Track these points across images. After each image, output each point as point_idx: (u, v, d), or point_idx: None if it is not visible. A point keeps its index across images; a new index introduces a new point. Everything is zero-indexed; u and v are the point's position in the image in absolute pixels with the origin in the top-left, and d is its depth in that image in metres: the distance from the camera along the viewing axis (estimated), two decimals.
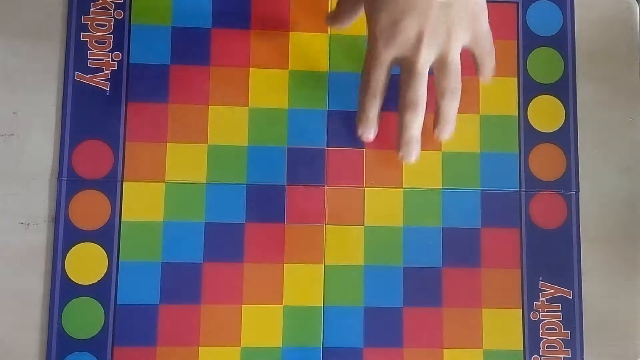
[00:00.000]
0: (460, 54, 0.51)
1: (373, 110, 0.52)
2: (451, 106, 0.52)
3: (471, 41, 0.52)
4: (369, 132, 0.52)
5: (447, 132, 0.53)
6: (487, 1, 0.50)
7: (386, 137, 0.53)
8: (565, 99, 0.61)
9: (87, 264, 0.56)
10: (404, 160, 0.52)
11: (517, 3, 0.62)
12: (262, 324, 0.56)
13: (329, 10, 0.60)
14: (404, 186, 0.59)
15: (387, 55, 0.50)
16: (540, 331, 0.59)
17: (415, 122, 0.51)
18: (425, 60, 0.50)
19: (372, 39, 0.50)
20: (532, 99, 0.61)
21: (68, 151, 0.57)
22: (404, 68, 0.50)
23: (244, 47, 0.59)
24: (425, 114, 0.60)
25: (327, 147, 0.59)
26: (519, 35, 0.62)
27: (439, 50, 0.50)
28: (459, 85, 0.52)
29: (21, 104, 0.58)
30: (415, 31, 0.49)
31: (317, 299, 0.57)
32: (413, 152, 0.52)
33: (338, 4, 0.55)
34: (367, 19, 0.50)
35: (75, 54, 0.58)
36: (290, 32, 0.60)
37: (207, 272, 0.57)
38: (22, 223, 0.56)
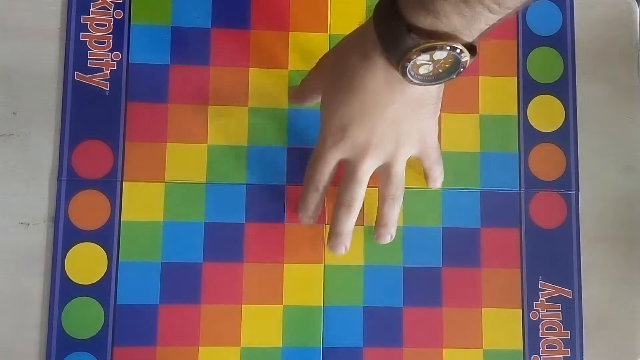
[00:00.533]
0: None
1: (314, 202, 0.54)
2: (391, 212, 0.53)
3: (419, 154, 0.53)
4: (307, 221, 0.55)
5: (384, 235, 0.54)
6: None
7: None
8: (565, 99, 0.61)
9: (86, 263, 0.56)
10: (331, 250, 0.54)
11: None
12: (261, 323, 0.56)
13: (329, 11, 0.61)
14: None
15: (332, 157, 0.51)
16: (540, 331, 0.58)
17: (348, 221, 0.53)
18: (367, 169, 0.51)
19: (321, 139, 0.51)
20: (532, 99, 0.61)
21: (68, 151, 0.57)
22: (347, 169, 0.51)
23: (244, 47, 0.59)
24: None
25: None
26: (518, 35, 0.62)
27: (384, 161, 0.51)
28: (400, 194, 0.53)
29: (21, 104, 0.58)
30: (362, 141, 0.49)
31: (317, 299, 0.57)
32: (341, 246, 0.54)
33: (301, 84, 0.56)
34: (320, 117, 0.51)
35: (75, 54, 0.58)
36: (290, 32, 0.60)
37: (206, 272, 0.57)
38: (22, 223, 0.56)
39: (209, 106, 0.59)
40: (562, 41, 0.62)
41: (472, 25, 0.41)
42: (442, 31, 0.42)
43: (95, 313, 0.55)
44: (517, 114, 0.61)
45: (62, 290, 0.56)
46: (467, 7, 0.40)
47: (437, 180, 0.57)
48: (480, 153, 0.60)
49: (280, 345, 0.56)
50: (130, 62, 0.58)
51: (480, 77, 0.61)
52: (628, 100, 0.63)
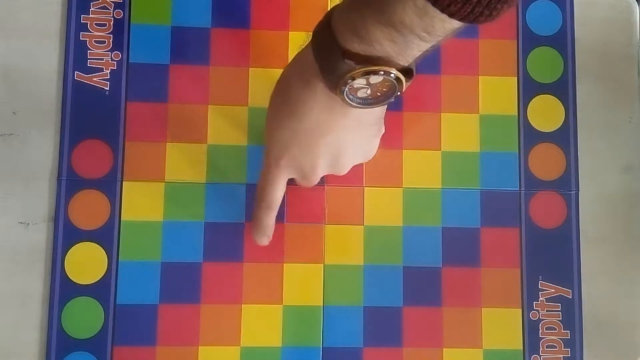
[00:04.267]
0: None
1: (267, 220, 0.54)
2: None
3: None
4: (262, 239, 0.55)
5: None
6: None
7: (386, 136, 0.53)
8: (565, 99, 0.61)
9: (86, 263, 0.56)
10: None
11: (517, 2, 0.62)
12: (261, 323, 0.56)
13: (328, 8, 0.60)
14: (403, 186, 0.59)
15: (280, 179, 0.52)
16: (540, 331, 0.58)
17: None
18: (314, 182, 0.52)
19: (267, 162, 0.51)
20: (532, 99, 0.61)
21: (68, 151, 0.57)
22: (298, 182, 0.53)
23: (244, 46, 0.59)
24: (423, 112, 0.60)
25: None
26: (518, 35, 0.62)
27: (331, 172, 0.52)
28: None
29: (21, 104, 0.58)
30: (308, 164, 0.50)
31: (316, 299, 0.57)
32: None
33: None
34: (265, 141, 0.51)
35: (75, 54, 0.58)
36: (289, 32, 0.60)
37: (206, 272, 0.57)
38: (21, 223, 0.56)
39: (209, 106, 0.59)
40: (562, 41, 0.62)
41: (405, 51, 0.42)
42: (375, 56, 0.42)
43: (95, 313, 0.55)
44: (517, 114, 0.61)
45: (62, 290, 0.56)
46: (398, 35, 0.40)
47: None
48: (480, 153, 0.60)
49: (280, 345, 0.56)
50: (130, 61, 0.58)
51: (480, 77, 0.61)
52: (628, 100, 0.63)
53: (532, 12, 0.62)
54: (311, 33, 0.45)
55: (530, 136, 0.61)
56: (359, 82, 0.43)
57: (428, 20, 0.38)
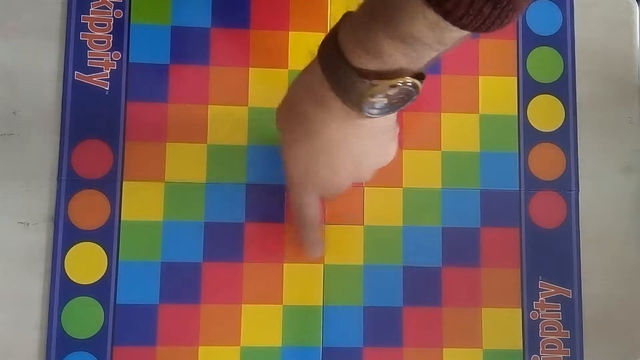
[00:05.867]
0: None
1: (313, 237, 0.55)
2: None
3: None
4: (316, 253, 0.56)
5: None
6: None
7: None
8: (565, 99, 0.61)
9: (86, 263, 0.56)
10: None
11: None
12: (261, 323, 0.56)
13: (329, 11, 0.61)
14: (403, 186, 0.59)
15: (311, 199, 0.52)
16: (540, 330, 0.58)
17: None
18: (344, 189, 0.52)
19: (292, 187, 0.51)
20: (532, 99, 0.61)
21: (68, 151, 0.57)
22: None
23: (244, 46, 0.59)
24: (423, 112, 0.60)
25: None
26: (518, 35, 0.62)
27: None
28: None
29: (21, 104, 0.58)
30: (333, 182, 0.50)
31: (316, 299, 0.57)
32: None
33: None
34: (284, 166, 0.51)
35: (75, 54, 0.58)
36: (290, 32, 0.60)
37: (206, 272, 0.57)
38: (21, 223, 0.56)
39: (209, 106, 0.59)
40: (562, 41, 0.62)
41: (417, 61, 0.42)
42: (391, 70, 0.42)
43: (95, 313, 0.55)
44: (517, 114, 0.61)
45: (62, 290, 0.56)
46: (408, 47, 0.40)
47: None
48: (480, 153, 0.60)
49: (280, 345, 0.56)
50: (130, 61, 0.58)
51: (480, 77, 0.61)
52: (628, 100, 0.63)
53: (532, 12, 0.62)
54: (315, 51, 0.45)
55: (530, 136, 0.61)
56: (378, 96, 0.43)
57: (439, 32, 0.38)
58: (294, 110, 0.48)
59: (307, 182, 0.50)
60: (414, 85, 0.43)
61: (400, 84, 0.42)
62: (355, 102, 0.43)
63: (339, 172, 0.49)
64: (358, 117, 0.45)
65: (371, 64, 0.42)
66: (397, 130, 0.51)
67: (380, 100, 0.43)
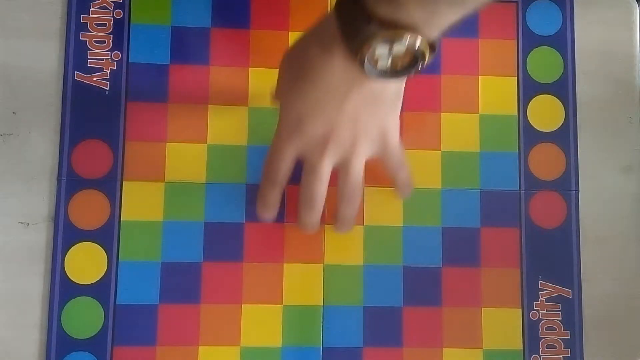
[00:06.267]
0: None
1: (272, 197, 0.53)
2: (347, 211, 0.53)
3: (380, 154, 0.52)
4: (267, 215, 0.55)
5: (343, 230, 0.55)
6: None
7: None
8: (565, 99, 0.61)
9: (86, 263, 0.56)
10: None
11: (517, 3, 0.62)
12: (261, 323, 0.56)
13: (329, 11, 0.60)
14: None
15: (289, 151, 0.50)
16: (540, 330, 0.58)
17: (311, 218, 0.53)
18: (326, 165, 0.50)
19: (277, 132, 0.51)
20: (532, 99, 0.61)
21: (68, 151, 0.57)
22: (305, 166, 0.51)
23: (244, 46, 0.59)
24: (423, 112, 0.60)
25: None
26: (518, 35, 0.62)
27: (342, 157, 0.50)
28: (358, 193, 0.52)
29: (21, 104, 0.58)
30: (319, 134, 0.49)
31: (316, 299, 0.57)
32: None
33: (276, 86, 0.54)
34: (279, 110, 0.51)
35: (75, 54, 0.58)
36: (290, 32, 0.60)
37: (206, 272, 0.57)
38: (21, 223, 0.56)
39: (209, 106, 0.59)
40: (562, 41, 0.62)
41: (433, 19, 0.41)
42: (402, 22, 0.41)
43: (95, 313, 0.55)
44: (517, 114, 0.61)
45: (62, 290, 0.56)
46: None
47: (406, 187, 0.56)
48: (480, 153, 0.60)
49: (280, 345, 0.56)
50: (130, 61, 0.58)
51: (480, 77, 0.61)
52: (628, 100, 0.63)
53: (532, 12, 0.62)
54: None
55: (530, 136, 0.61)
56: (381, 50, 0.42)
57: None
58: (298, 55, 0.48)
59: (296, 131, 0.49)
60: (420, 50, 0.42)
61: (407, 41, 0.41)
62: (358, 46, 0.42)
63: (329, 126, 0.48)
64: (359, 77, 0.45)
65: (386, 10, 0.41)
66: (399, 108, 0.50)
67: (383, 56, 0.43)
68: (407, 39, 0.42)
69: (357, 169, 0.51)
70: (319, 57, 0.46)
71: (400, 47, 0.42)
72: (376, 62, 0.44)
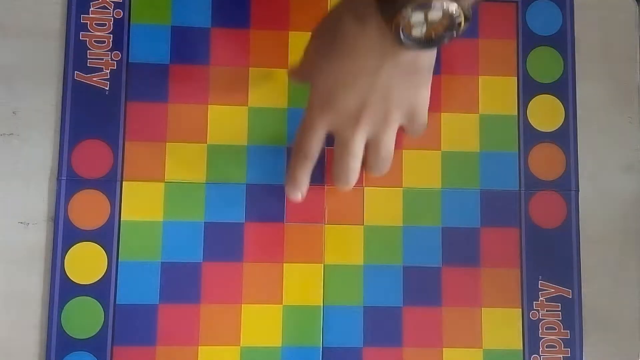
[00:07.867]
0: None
1: (302, 173, 0.51)
2: (377, 174, 0.52)
3: (408, 125, 0.51)
4: (295, 194, 0.53)
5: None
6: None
7: None
8: (565, 99, 0.61)
9: (86, 263, 0.56)
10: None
11: (517, 2, 0.62)
12: (261, 323, 0.56)
13: (328, 8, 0.60)
14: (403, 186, 0.59)
15: (321, 125, 0.49)
16: (540, 330, 0.58)
17: (348, 189, 0.52)
18: (359, 139, 0.49)
19: (309, 106, 0.49)
20: (532, 99, 0.61)
21: (67, 151, 0.57)
22: (338, 141, 0.50)
23: (244, 46, 0.59)
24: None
25: (327, 147, 0.59)
26: (518, 35, 0.62)
27: (375, 130, 0.49)
28: (388, 163, 0.51)
29: (21, 103, 0.58)
30: (351, 108, 0.48)
31: (316, 299, 0.57)
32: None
33: (301, 59, 0.54)
34: (310, 82, 0.50)
35: (75, 54, 0.58)
36: (289, 32, 0.60)
37: (206, 272, 0.57)
38: (21, 223, 0.56)
39: (209, 106, 0.59)
40: (562, 41, 0.62)
41: None
42: None
43: (95, 313, 0.55)
44: (517, 114, 0.61)
45: (61, 290, 0.56)
46: None
47: (417, 134, 0.54)
48: (480, 153, 0.60)
49: (280, 345, 0.56)
50: (130, 61, 0.58)
51: (480, 77, 0.61)
52: (628, 100, 0.63)
53: (532, 12, 0.62)
54: None
55: (530, 136, 0.61)
56: (417, 16, 0.42)
57: None
58: (331, 25, 0.47)
59: (327, 106, 0.48)
60: (456, 17, 0.41)
61: (444, 6, 0.41)
62: (394, 13, 0.42)
63: (362, 99, 0.47)
64: (392, 45, 0.44)
65: None
66: (430, 80, 0.49)
67: (417, 24, 0.42)
68: (443, 5, 0.41)
69: (389, 142, 0.50)
70: (352, 27, 0.45)
71: (435, 14, 0.42)
72: (410, 30, 0.43)
